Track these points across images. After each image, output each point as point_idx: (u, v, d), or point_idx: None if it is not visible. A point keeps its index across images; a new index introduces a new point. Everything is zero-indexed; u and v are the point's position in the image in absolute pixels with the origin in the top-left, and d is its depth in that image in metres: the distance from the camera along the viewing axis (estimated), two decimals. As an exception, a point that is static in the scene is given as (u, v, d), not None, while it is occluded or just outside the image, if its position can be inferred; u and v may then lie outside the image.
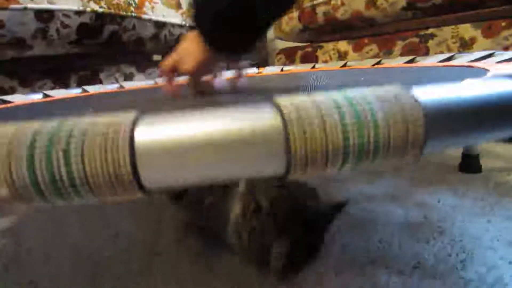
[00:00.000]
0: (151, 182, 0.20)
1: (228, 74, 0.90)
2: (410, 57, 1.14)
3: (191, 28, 0.67)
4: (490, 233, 0.71)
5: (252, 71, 1.47)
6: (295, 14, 1.92)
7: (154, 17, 1.65)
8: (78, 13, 1.39)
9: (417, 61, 1.12)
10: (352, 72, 1.17)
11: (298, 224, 0.58)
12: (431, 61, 1.07)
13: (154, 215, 0.93)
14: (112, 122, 0.20)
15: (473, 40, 1.29)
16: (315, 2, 1.78)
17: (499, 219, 0.77)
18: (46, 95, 1.13)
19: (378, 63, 1.22)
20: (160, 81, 0.95)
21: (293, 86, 0.91)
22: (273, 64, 2.30)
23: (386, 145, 0.20)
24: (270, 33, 2.25)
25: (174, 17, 1.75)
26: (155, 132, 0.20)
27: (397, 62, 1.17)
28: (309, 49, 1.96)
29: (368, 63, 1.26)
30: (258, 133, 0.20)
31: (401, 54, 1.52)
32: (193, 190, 0.70)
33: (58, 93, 1.17)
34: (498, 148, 1.27)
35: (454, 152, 1.29)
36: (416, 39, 1.47)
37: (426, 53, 1.43)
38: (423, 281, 0.58)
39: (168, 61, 0.77)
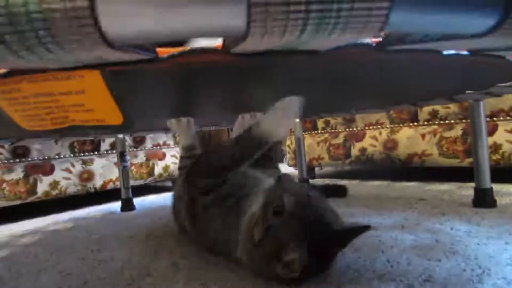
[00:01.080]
0: (112, 30, 0.19)
1: None
2: None
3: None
4: (509, 253, 0.66)
5: None
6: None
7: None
8: None
9: None
10: None
11: (317, 235, 0.55)
12: None
13: (152, 245, 0.90)
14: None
15: None
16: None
17: (517, 241, 0.71)
18: None
19: None
20: None
21: None
22: None
23: (349, 8, 0.19)
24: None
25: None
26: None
27: None
28: None
29: None
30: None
31: None
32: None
33: None
34: (513, 186, 1.23)
35: (466, 190, 1.25)
36: None
37: None
38: (434, 292, 0.52)
39: None
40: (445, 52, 0.35)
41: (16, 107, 0.35)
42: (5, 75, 0.30)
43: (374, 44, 0.32)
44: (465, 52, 0.38)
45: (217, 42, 0.30)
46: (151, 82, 0.39)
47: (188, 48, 0.29)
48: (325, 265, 0.59)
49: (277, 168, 0.90)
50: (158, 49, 0.28)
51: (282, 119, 0.67)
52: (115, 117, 0.36)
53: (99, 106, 0.34)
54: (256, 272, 0.62)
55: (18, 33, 0.18)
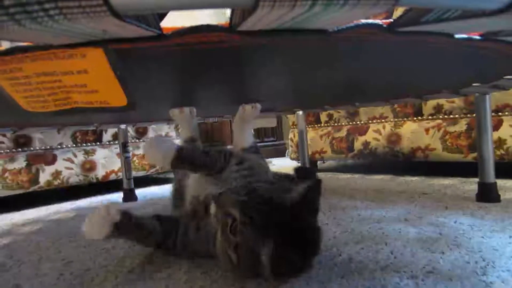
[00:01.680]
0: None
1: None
2: None
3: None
4: (513, 246, 0.65)
5: None
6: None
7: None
8: None
9: None
10: None
11: (278, 222, 0.52)
12: None
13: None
14: None
15: None
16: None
17: (522, 234, 0.71)
18: None
19: None
20: None
21: None
22: None
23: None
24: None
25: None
26: None
27: None
28: None
29: None
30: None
31: None
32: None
33: None
34: (517, 182, 1.22)
35: (469, 185, 1.24)
36: None
37: None
38: (438, 283, 0.52)
39: None
40: (457, 36, 0.35)
41: (18, 87, 0.34)
42: (6, 53, 0.30)
43: (385, 25, 0.31)
44: (477, 37, 0.37)
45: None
46: (155, 62, 0.38)
47: (194, 25, 0.28)
48: (314, 240, 0.54)
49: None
50: (163, 27, 0.28)
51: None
52: (119, 98, 0.35)
53: (103, 87, 0.34)
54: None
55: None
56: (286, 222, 0.52)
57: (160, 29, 0.27)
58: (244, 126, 0.92)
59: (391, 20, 0.30)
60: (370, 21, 0.30)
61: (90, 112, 0.38)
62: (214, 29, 0.28)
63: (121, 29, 0.23)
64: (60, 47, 0.29)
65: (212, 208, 0.59)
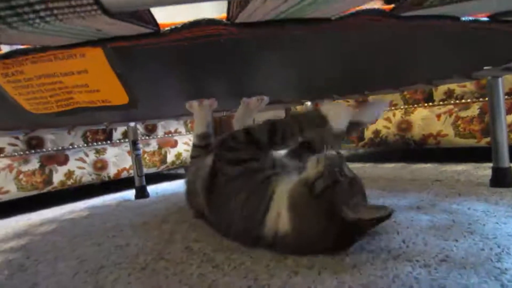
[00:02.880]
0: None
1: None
2: None
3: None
4: (529, 231, 0.64)
5: None
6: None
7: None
8: None
9: None
10: None
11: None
12: None
13: (166, 230, 0.90)
14: None
15: None
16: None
17: (538, 219, 0.69)
18: None
19: None
20: None
21: None
22: None
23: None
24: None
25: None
26: None
27: None
28: None
29: None
30: None
31: None
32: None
33: None
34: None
35: (483, 171, 1.22)
36: None
37: None
38: (451, 271, 0.51)
39: None
40: (463, 18, 0.33)
41: (20, 90, 0.34)
42: (6, 56, 0.30)
43: (387, 11, 0.30)
44: (484, 18, 0.35)
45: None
46: (154, 59, 0.38)
47: (192, 20, 0.28)
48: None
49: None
50: (160, 23, 0.27)
51: (344, 114, 0.71)
52: (120, 97, 0.35)
53: (104, 86, 0.34)
54: (301, 239, 0.61)
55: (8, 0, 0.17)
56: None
57: (156, 25, 0.27)
58: (246, 121, 0.92)
59: (394, 5, 0.30)
60: (372, 7, 0.29)
61: (92, 112, 0.38)
62: (211, 23, 0.28)
63: (115, 28, 0.23)
64: (58, 48, 0.29)
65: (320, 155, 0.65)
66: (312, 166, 0.64)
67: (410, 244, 0.63)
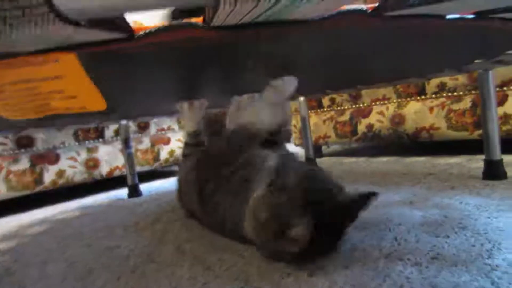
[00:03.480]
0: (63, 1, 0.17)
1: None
2: None
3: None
4: (520, 226, 0.64)
5: None
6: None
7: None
8: None
9: None
10: None
11: (323, 208, 0.54)
12: None
13: (158, 230, 0.89)
14: None
15: None
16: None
17: (529, 213, 0.69)
18: None
19: None
20: None
21: None
22: None
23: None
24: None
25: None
26: None
27: None
28: None
29: None
30: None
31: None
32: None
33: None
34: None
35: (475, 163, 1.22)
36: None
37: None
38: (442, 269, 0.51)
39: None
40: (448, 16, 0.33)
41: (-5, 96, 0.33)
42: (-26, 63, 0.28)
43: (369, 11, 0.29)
44: (470, 16, 0.35)
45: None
46: (133, 62, 0.37)
47: (166, 23, 0.27)
48: (334, 240, 0.58)
49: (283, 149, 0.87)
50: (134, 27, 0.26)
51: (271, 107, 0.68)
52: (97, 103, 0.34)
53: (80, 92, 0.32)
54: (266, 253, 0.61)
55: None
56: (327, 211, 0.54)
57: (129, 30, 0.26)
58: (239, 119, 0.91)
59: (376, 4, 0.29)
60: (354, 6, 0.28)
61: (72, 117, 0.37)
62: (187, 26, 0.27)
63: (83, 35, 0.22)
64: (31, 53, 0.28)
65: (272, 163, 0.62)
66: (261, 184, 0.61)
67: (401, 241, 0.62)
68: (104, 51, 0.28)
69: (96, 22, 0.21)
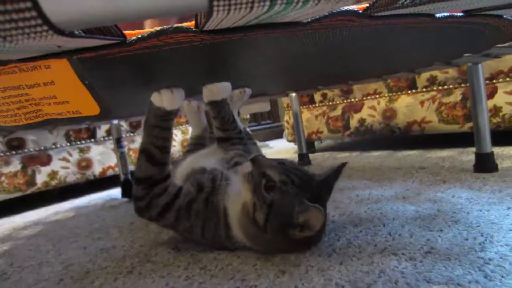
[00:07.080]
0: (56, 13, 0.17)
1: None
2: None
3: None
4: (511, 218, 0.65)
5: None
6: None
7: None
8: None
9: None
10: None
11: (310, 190, 0.59)
12: None
13: (153, 230, 0.89)
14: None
15: None
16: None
17: (519, 205, 0.70)
18: None
19: None
20: None
21: None
22: None
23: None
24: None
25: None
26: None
27: None
28: None
29: None
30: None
31: None
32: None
33: None
34: (514, 149, 1.21)
35: (467, 156, 1.24)
36: None
37: None
38: (436, 263, 0.52)
39: None
40: (438, 15, 0.33)
41: (-15, 103, 0.33)
42: (-36, 71, 0.28)
43: (360, 11, 0.29)
44: (459, 14, 0.35)
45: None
46: (126, 66, 0.37)
47: (159, 28, 0.27)
48: (325, 214, 0.61)
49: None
50: (126, 32, 0.26)
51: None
52: (91, 107, 0.34)
53: (73, 97, 0.32)
54: (269, 251, 0.62)
55: None
56: (313, 191, 0.59)
57: (121, 35, 0.26)
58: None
59: (367, 5, 0.29)
60: (344, 8, 0.29)
61: (65, 121, 0.36)
62: (179, 31, 0.27)
63: (76, 43, 0.22)
64: (21, 61, 0.27)
65: (246, 168, 0.62)
66: (244, 187, 0.61)
67: (396, 236, 0.63)
68: (96, 56, 0.28)
69: (89, 30, 0.21)
